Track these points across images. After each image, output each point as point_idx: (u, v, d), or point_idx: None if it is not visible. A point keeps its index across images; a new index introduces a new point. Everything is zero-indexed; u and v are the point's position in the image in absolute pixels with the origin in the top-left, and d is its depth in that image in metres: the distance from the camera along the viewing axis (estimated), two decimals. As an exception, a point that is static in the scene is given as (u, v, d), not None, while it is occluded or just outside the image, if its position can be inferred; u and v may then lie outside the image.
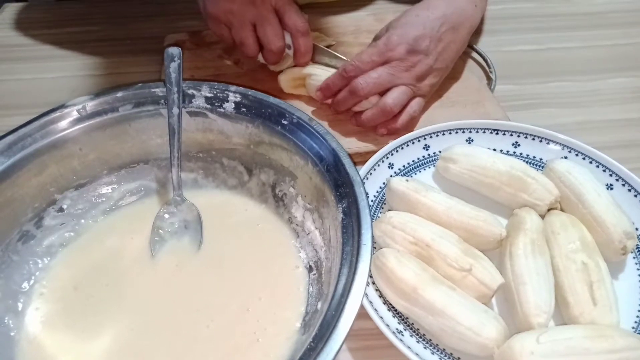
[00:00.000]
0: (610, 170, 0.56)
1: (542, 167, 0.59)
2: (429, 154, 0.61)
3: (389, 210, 0.54)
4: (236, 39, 0.66)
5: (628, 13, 0.89)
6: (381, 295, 0.48)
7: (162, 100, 0.53)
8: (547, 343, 0.41)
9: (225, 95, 0.53)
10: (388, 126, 0.62)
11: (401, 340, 0.43)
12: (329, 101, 0.66)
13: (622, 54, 0.81)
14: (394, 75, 0.62)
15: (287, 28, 0.64)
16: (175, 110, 0.52)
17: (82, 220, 0.54)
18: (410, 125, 0.64)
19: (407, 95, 0.62)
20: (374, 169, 0.57)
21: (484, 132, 0.61)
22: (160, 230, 0.53)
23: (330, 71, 0.66)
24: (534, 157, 0.60)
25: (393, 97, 0.61)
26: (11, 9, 0.91)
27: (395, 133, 0.62)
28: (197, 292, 0.49)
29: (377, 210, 0.56)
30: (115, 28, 0.86)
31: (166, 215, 0.53)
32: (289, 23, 0.64)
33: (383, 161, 0.58)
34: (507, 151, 0.60)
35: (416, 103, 0.63)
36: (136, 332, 0.46)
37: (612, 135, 0.67)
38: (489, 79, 0.75)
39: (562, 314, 0.47)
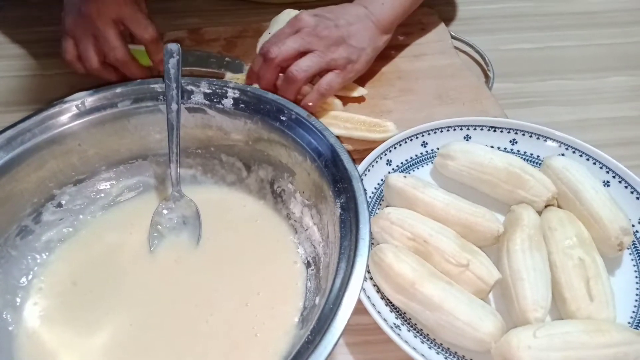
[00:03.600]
0: (607, 167, 0.56)
1: (540, 164, 0.59)
2: (427, 151, 0.61)
3: (387, 206, 0.55)
4: (79, 52, 0.64)
5: (626, 12, 0.89)
6: (379, 291, 0.48)
7: (161, 96, 0.53)
8: (544, 337, 0.41)
9: (224, 91, 0.53)
10: (300, 102, 0.60)
11: (399, 334, 0.43)
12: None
13: (620, 52, 0.81)
14: (304, 40, 0.61)
15: (137, 40, 0.64)
16: (174, 106, 0.52)
17: (81, 216, 0.54)
18: (321, 101, 0.62)
19: (314, 63, 0.60)
20: (372, 166, 0.57)
21: (482, 129, 0.61)
22: (158, 226, 0.53)
23: None
24: (532, 154, 0.60)
25: (298, 64, 0.60)
26: (10, 6, 0.91)
27: (307, 109, 0.53)
28: (195, 287, 0.49)
29: (375, 207, 0.56)
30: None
31: (165, 211, 0.54)
32: (137, 35, 0.63)
33: (381, 158, 0.58)
34: (505, 148, 0.60)
35: (328, 78, 0.62)
36: (135, 327, 0.46)
37: (609, 133, 0.68)
38: (487, 77, 0.76)
39: (559, 310, 0.47)
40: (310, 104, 0.60)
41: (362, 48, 0.65)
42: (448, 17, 0.85)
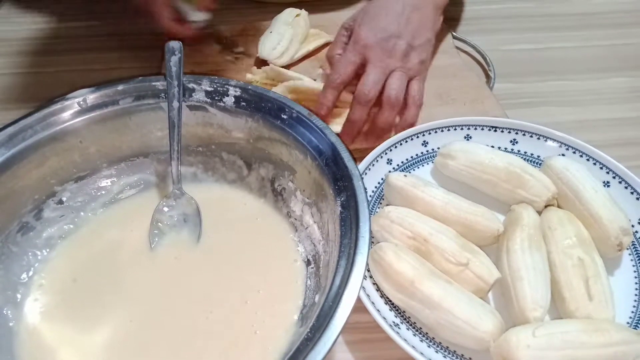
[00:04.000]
0: (607, 167, 0.56)
1: (540, 164, 0.59)
2: (427, 150, 0.61)
3: (387, 205, 0.55)
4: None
5: (626, 13, 0.89)
6: (378, 289, 0.48)
7: (163, 94, 0.53)
8: (543, 337, 0.41)
9: (225, 89, 0.53)
10: (405, 125, 0.62)
11: (398, 333, 0.43)
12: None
13: (620, 53, 0.81)
14: (382, 66, 0.62)
15: None
16: (176, 104, 0.52)
17: (82, 213, 0.54)
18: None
19: (402, 80, 0.62)
20: (373, 164, 0.57)
21: (483, 129, 0.61)
22: (159, 224, 0.53)
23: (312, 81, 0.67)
24: (532, 154, 0.60)
25: (392, 87, 0.61)
26: (11, 4, 0.91)
27: (411, 127, 0.62)
28: (195, 284, 0.49)
29: (375, 205, 0.56)
30: (116, 23, 0.86)
31: (165, 209, 0.54)
32: None
33: (382, 157, 0.58)
34: (505, 148, 0.61)
35: (415, 87, 0.63)
36: (134, 323, 0.46)
37: (609, 133, 0.68)
38: (488, 77, 0.76)
39: (558, 309, 0.48)
40: (412, 121, 0.62)
41: (428, 40, 0.66)
42: (449, 17, 0.85)
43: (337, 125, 0.62)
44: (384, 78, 0.61)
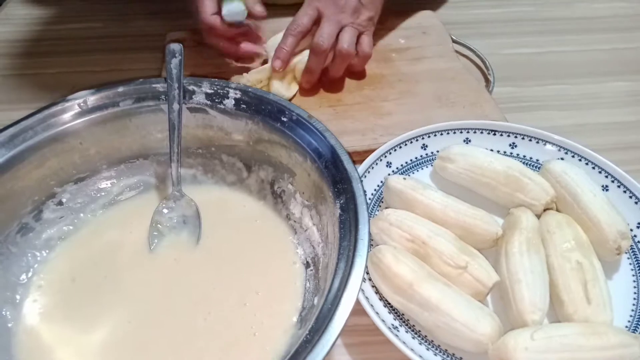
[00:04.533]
0: (605, 171, 0.56)
1: (539, 167, 0.59)
2: (426, 154, 0.61)
3: (386, 208, 0.55)
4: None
5: (627, 18, 0.90)
6: (377, 292, 0.48)
7: (163, 96, 0.53)
8: (541, 340, 0.41)
9: (225, 91, 0.53)
10: (354, 73, 0.73)
11: (397, 335, 0.43)
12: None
13: (620, 58, 0.82)
14: (335, 20, 0.69)
15: None
16: (176, 106, 0.52)
17: (81, 214, 0.54)
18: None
19: (353, 34, 0.69)
20: (372, 167, 0.57)
21: (482, 132, 0.62)
22: (159, 225, 0.53)
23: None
24: (531, 158, 0.60)
25: (345, 41, 0.68)
26: (13, 5, 0.91)
27: (361, 77, 0.74)
28: (194, 286, 0.49)
29: (374, 208, 0.57)
30: (117, 25, 0.87)
31: (165, 210, 0.54)
32: None
33: (381, 160, 0.58)
34: (504, 152, 0.61)
35: (365, 40, 0.71)
36: (133, 325, 0.46)
37: (608, 137, 0.68)
38: (487, 81, 0.76)
39: (557, 312, 0.48)
40: (360, 69, 0.73)
41: (374, 0, 0.73)
42: (449, 21, 0.85)
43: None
44: (337, 31, 0.69)
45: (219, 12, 0.67)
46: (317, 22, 0.70)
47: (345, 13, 0.70)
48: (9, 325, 0.45)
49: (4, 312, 0.46)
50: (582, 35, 0.86)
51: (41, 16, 0.89)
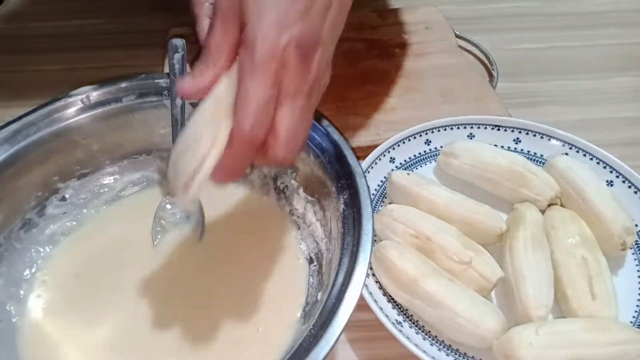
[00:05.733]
0: (610, 167, 0.56)
1: (543, 163, 0.59)
2: (430, 149, 0.61)
3: (390, 203, 0.55)
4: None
5: (632, 13, 0.89)
6: (381, 287, 0.48)
7: (166, 91, 0.53)
8: (545, 335, 0.41)
9: (228, 87, 0.53)
10: None
11: (401, 331, 0.43)
12: None
13: (625, 53, 0.81)
14: (267, 73, 0.35)
15: None
16: (179, 101, 0.52)
17: (85, 210, 0.54)
18: None
19: (302, 106, 0.38)
20: (375, 163, 0.57)
21: (486, 128, 0.61)
22: (162, 221, 0.53)
23: None
24: (535, 153, 0.60)
25: (285, 124, 0.37)
26: (15, 2, 0.91)
27: None
28: (198, 282, 0.49)
29: (378, 204, 0.56)
30: (119, 21, 0.86)
31: (168, 206, 0.54)
32: None
33: (384, 155, 0.58)
34: (508, 147, 0.60)
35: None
36: (136, 320, 0.46)
37: (613, 133, 0.67)
38: (491, 76, 0.76)
39: (561, 308, 0.47)
40: None
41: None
42: (452, 16, 0.84)
43: None
44: (273, 95, 0.36)
45: None
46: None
47: (307, 87, 0.38)
48: (14, 320, 0.46)
49: (8, 307, 0.46)
50: (587, 30, 0.85)
51: (43, 12, 0.89)
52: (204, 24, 0.61)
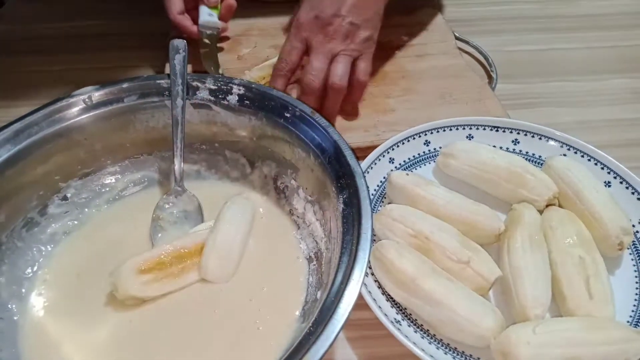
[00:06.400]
0: (608, 168, 0.56)
1: (541, 164, 0.59)
2: (429, 150, 0.61)
3: (389, 203, 0.55)
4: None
5: (630, 15, 0.90)
6: (380, 286, 0.49)
7: (167, 92, 0.53)
8: (543, 334, 0.41)
9: (229, 87, 0.53)
10: (349, 105, 0.64)
11: (399, 329, 0.44)
12: None
13: (623, 55, 0.82)
14: (324, 52, 0.60)
15: None
16: (179, 102, 0.52)
17: (86, 209, 0.54)
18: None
19: (346, 64, 0.60)
20: (375, 163, 0.57)
21: (484, 129, 0.62)
22: (160, 220, 0.53)
23: None
24: (533, 154, 0.60)
25: (335, 74, 0.60)
26: (16, 3, 0.92)
27: (355, 111, 0.66)
28: (199, 282, 0.49)
29: (377, 204, 0.57)
30: (120, 22, 0.87)
31: (166, 205, 0.54)
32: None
33: (384, 156, 0.58)
34: (507, 148, 0.61)
35: (361, 66, 0.62)
36: (137, 319, 0.47)
37: (611, 134, 0.68)
38: (490, 77, 0.76)
39: (559, 307, 0.48)
40: (356, 100, 0.64)
41: (375, 13, 0.63)
42: (452, 18, 0.85)
43: None
44: (327, 63, 0.60)
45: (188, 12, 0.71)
46: (306, 53, 0.62)
47: (335, 40, 0.60)
48: (15, 318, 0.46)
49: (10, 306, 0.46)
50: (585, 32, 0.86)
51: (44, 14, 0.89)
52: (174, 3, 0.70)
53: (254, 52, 0.77)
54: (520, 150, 0.61)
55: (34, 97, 0.72)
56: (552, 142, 0.60)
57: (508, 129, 0.61)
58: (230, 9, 0.73)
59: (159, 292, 0.47)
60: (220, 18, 0.74)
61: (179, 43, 0.54)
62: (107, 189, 0.56)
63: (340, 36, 0.60)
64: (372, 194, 0.57)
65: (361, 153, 0.60)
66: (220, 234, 0.49)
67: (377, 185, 0.58)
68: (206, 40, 0.71)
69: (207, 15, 0.71)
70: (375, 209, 0.56)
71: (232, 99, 0.53)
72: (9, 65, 0.79)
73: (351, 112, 0.66)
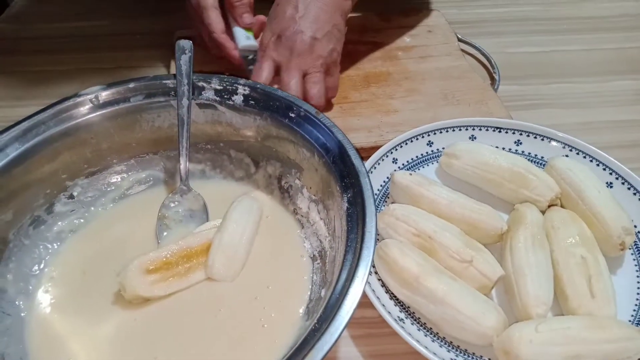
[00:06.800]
0: (610, 168, 0.57)
1: (544, 165, 0.59)
2: (432, 150, 0.62)
3: (392, 203, 0.55)
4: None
5: (632, 17, 0.90)
6: (384, 285, 0.49)
7: (173, 92, 0.54)
8: (545, 332, 0.42)
9: (234, 88, 0.54)
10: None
11: (402, 327, 0.44)
12: None
13: (625, 57, 0.82)
14: (294, 68, 0.64)
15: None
16: (185, 102, 0.53)
17: (92, 208, 0.55)
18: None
19: (319, 82, 0.64)
20: (378, 163, 0.58)
21: (487, 129, 0.62)
22: (165, 219, 0.54)
23: None
24: (536, 155, 0.61)
25: (313, 96, 0.64)
26: (21, 3, 0.93)
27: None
28: (205, 280, 0.49)
29: (380, 204, 0.57)
30: (125, 23, 0.88)
31: (172, 204, 0.54)
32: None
33: (387, 156, 0.59)
34: (510, 149, 0.61)
35: (329, 86, 0.66)
36: (142, 317, 0.47)
37: (613, 135, 0.68)
38: (492, 79, 0.77)
39: (561, 307, 0.48)
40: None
41: (333, 26, 0.66)
42: (454, 20, 0.86)
43: None
44: (301, 78, 0.64)
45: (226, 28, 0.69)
46: (277, 71, 0.65)
47: (302, 56, 0.64)
48: (23, 314, 0.46)
49: (17, 302, 0.47)
50: (587, 34, 0.86)
51: (49, 14, 0.90)
52: (213, 16, 0.66)
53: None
54: (523, 151, 0.61)
55: (41, 96, 0.73)
56: (554, 143, 0.60)
57: (510, 129, 0.62)
58: (263, 25, 0.70)
59: (166, 291, 0.48)
60: (255, 37, 0.71)
61: (185, 44, 0.55)
62: (113, 187, 0.56)
63: (305, 51, 0.64)
64: (376, 194, 0.57)
65: (365, 153, 0.61)
66: (227, 234, 0.50)
67: (381, 185, 0.58)
68: (251, 67, 0.68)
69: (245, 39, 0.69)
70: (379, 209, 0.57)
71: (238, 99, 0.53)
72: (16, 64, 0.80)
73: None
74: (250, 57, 0.69)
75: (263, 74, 0.64)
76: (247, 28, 0.70)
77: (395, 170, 0.59)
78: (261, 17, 0.70)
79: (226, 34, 0.68)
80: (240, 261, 0.50)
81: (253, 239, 0.52)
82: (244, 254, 0.50)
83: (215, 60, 0.75)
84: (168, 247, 0.49)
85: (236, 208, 0.52)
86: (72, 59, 0.81)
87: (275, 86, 0.61)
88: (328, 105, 0.69)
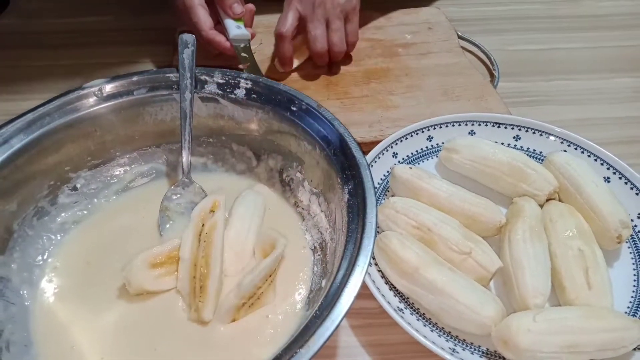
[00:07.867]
0: (607, 163, 0.57)
1: (542, 159, 0.60)
2: (432, 145, 0.62)
3: (392, 196, 0.56)
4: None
5: (632, 15, 0.91)
6: (383, 276, 0.50)
7: (175, 85, 0.54)
8: (543, 322, 0.42)
9: (236, 81, 0.54)
10: (346, 57, 0.75)
11: (402, 317, 0.45)
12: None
13: (625, 55, 0.83)
14: (317, 19, 0.70)
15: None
16: (188, 95, 0.53)
17: (95, 200, 0.55)
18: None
19: (341, 30, 0.71)
20: (379, 157, 0.58)
21: (486, 125, 0.63)
22: (167, 211, 0.54)
23: None
24: (534, 150, 0.61)
25: (335, 43, 0.71)
26: (27, -1, 0.93)
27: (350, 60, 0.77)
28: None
29: (381, 198, 0.58)
30: (128, 18, 0.88)
31: (174, 196, 0.55)
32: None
33: (387, 150, 0.59)
34: (509, 144, 0.62)
35: (350, 31, 0.73)
36: (145, 306, 0.47)
37: (611, 131, 0.69)
38: (492, 76, 0.77)
39: (558, 298, 0.49)
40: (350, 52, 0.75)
41: None
42: (455, 17, 0.86)
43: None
44: (324, 28, 0.71)
45: (215, 23, 0.69)
46: (300, 20, 0.71)
47: (322, 6, 0.70)
48: (27, 303, 0.47)
49: (22, 292, 0.47)
50: (586, 32, 0.87)
51: (52, 9, 0.90)
52: (200, 14, 0.67)
53: (260, 48, 0.78)
54: (522, 146, 0.62)
55: (46, 91, 0.73)
56: (552, 138, 0.61)
57: (509, 125, 0.62)
58: (252, 13, 0.73)
59: (171, 285, 0.48)
60: (245, 26, 0.72)
61: (188, 37, 0.55)
62: (116, 180, 0.57)
63: (328, 2, 0.70)
64: (376, 187, 0.57)
65: (365, 148, 0.61)
66: (234, 230, 0.51)
67: (381, 179, 0.59)
68: (244, 54, 0.69)
69: (236, 29, 0.69)
70: (379, 202, 0.57)
71: (240, 92, 0.54)
72: (21, 59, 0.80)
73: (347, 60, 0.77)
74: (242, 45, 0.70)
75: (287, 22, 0.70)
76: (238, 18, 0.71)
77: (395, 164, 0.59)
78: (250, 6, 0.72)
79: (215, 30, 0.69)
80: (248, 256, 0.50)
81: (258, 233, 0.52)
82: (251, 249, 0.51)
83: (216, 55, 0.76)
84: (172, 242, 0.49)
85: (242, 203, 0.53)
86: (77, 54, 0.81)
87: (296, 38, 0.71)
88: (349, 51, 0.75)
